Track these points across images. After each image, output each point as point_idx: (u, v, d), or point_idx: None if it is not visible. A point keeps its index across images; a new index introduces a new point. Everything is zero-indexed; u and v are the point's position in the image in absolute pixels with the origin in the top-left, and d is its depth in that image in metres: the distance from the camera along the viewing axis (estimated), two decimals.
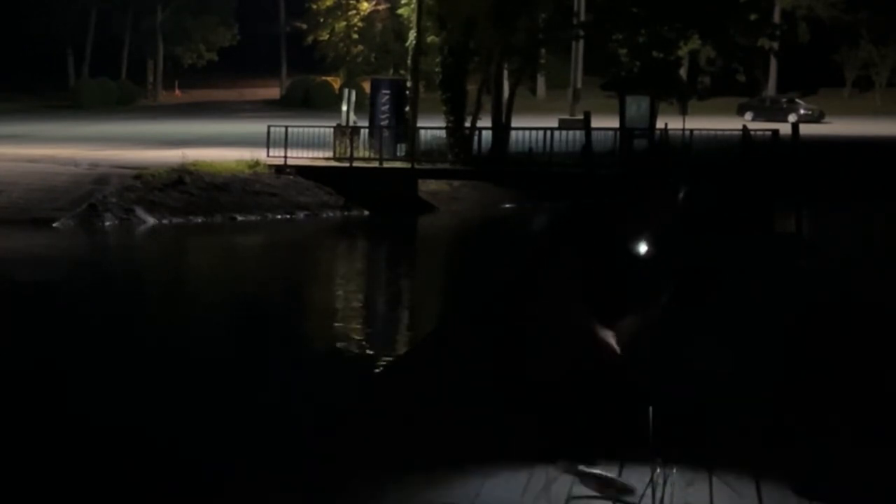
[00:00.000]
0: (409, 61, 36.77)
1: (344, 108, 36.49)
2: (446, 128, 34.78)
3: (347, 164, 32.12)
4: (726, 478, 4.80)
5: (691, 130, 30.80)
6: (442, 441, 5.19)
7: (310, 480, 4.90)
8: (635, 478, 4.79)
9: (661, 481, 4.56)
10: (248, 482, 4.99)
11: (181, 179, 28.86)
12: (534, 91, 65.84)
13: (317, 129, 32.98)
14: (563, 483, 4.78)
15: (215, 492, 6.86)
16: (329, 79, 67.20)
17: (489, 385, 5.24)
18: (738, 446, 5.20)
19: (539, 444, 5.06)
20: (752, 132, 29.66)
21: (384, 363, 12.62)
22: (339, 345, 14.44)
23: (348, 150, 32.58)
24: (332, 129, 33.81)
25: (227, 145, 34.61)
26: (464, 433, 5.25)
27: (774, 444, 5.24)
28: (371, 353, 13.84)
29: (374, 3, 60.84)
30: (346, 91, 39.43)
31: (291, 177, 30.67)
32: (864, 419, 5.69)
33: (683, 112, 35.26)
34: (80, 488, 8.53)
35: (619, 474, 4.79)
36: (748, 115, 54.67)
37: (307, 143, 32.00)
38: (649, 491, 4.56)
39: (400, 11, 40.66)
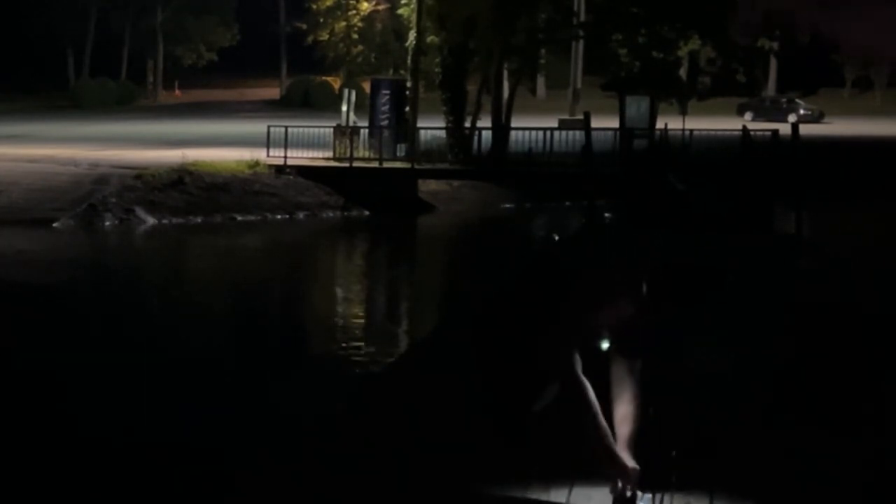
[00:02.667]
0: (409, 61, 36.78)
1: (344, 108, 36.50)
2: (446, 128, 34.81)
3: (347, 165, 32.12)
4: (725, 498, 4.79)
5: (691, 130, 30.81)
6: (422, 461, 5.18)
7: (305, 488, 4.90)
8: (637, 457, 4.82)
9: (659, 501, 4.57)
10: (248, 486, 4.98)
11: (181, 179, 28.87)
12: (534, 91, 65.86)
13: (317, 130, 32.98)
14: None
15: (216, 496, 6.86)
16: (329, 79, 67.25)
17: (479, 397, 5.22)
18: (738, 459, 5.19)
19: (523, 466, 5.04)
20: (752, 132, 29.65)
21: (380, 366, 12.61)
22: (337, 346, 14.44)
23: (348, 150, 32.58)
24: (332, 129, 33.82)
25: (226, 145, 34.61)
26: (444, 453, 5.23)
27: (773, 457, 5.23)
28: (369, 354, 13.83)
29: (374, 3, 60.90)
30: (346, 91, 39.45)
31: (291, 177, 30.67)
32: (867, 426, 5.68)
33: (683, 112, 35.28)
34: (80, 491, 8.54)
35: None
36: (748, 115, 54.68)
37: (307, 144, 32.01)
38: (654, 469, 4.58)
39: (400, 11, 40.67)
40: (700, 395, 6.09)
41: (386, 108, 35.24)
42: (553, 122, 35.91)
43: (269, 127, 32.34)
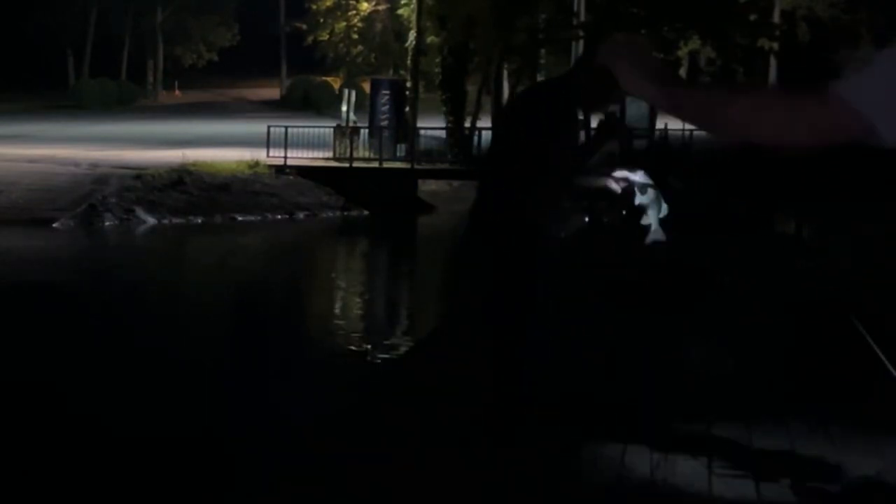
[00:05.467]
0: (409, 61, 36.79)
1: (344, 108, 36.52)
2: (446, 128, 34.81)
3: (347, 165, 32.13)
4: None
5: (691, 130, 30.78)
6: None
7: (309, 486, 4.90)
8: (638, 457, 4.82)
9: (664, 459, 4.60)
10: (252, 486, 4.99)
11: (181, 179, 28.88)
12: None
13: (317, 130, 32.99)
14: None
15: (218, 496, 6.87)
16: (329, 79, 67.23)
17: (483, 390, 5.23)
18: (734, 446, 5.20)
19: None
20: None
21: (380, 365, 12.62)
22: (338, 345, 14.43)
23: (348, 150, 32.59)
24: (332, 130, 33.83)
25: (226, 145, 34.60)
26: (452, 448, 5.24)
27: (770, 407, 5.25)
28: (370, 354, 13.83)
29: (374, 3, 60.87)
30: (346, 91, 39.47)
31: (291, 177, 30.68)
32: (863, 417, 5.69)
33: None
34: (77, 490, 8.54)
35: (624, 453, 4.80)
36: None
37: (307, 144, 32.02)
38: (653, 467, 4.58)
39: (400, 11, 40.73)
40: (701, 394, 6.10)
41: (386, 108, 35.26)
42: None
43: (269, 127, 32.35)
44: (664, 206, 4.88)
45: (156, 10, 73.71)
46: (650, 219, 4.88)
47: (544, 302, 5.06)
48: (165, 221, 27.31)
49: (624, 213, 12.24)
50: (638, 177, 4.87)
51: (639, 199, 4.88)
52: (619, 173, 4.99)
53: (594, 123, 5.61)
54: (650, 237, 4.97)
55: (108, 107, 65.08)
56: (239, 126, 47.25)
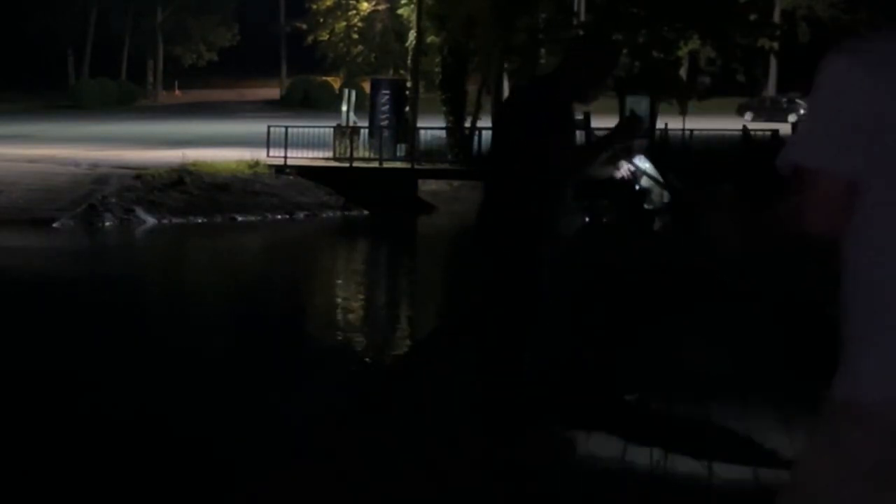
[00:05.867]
0: (409, 61, 36.79)
1: (344, 108, 36.51)
2: (446, 128, 34.81)
3: (347, 165, 32.13)
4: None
5: (691, 130, 30.78)
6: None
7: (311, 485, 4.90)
8: (638, 457, 4.82)
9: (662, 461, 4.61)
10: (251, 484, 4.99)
11: (181, 179, 28.87)
12: None
13: (317, 130, 33.00)
14: None
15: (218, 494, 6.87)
16: (329, 79, 67.26)
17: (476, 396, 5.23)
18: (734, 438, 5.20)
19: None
20: (752, 132, 29.65)
21: (380, 366, 12.62)
22: (337, 346, 14.43)
23: (348, 150, 32.59)
24: (332, 129, 33.83)
25: (227, 145, 34.60)
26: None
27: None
28: (369, 354, 13.83)
29: (374, 3, 60.89)
30: (346, 91, 39.47)
31: (291, 177, 30.68)
32: None
33: (683, 112, 35.26)
34: (76, 491, 8.54)
35: (624, 455, 4.81)
36: (748, 115, 54.64)
37: (307, 144, 32.03)
38: (653, 467, 4.58)
39: (400, 11, 40.72)
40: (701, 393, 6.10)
41: (386, 108, 35.26)
42: None
43: (269, 127, 32.36)
44: (665, 193, 4.89)
45: (156, 10, 73.77)
46: (654, 204, 4.90)
47: (545, 302, 5.06)
48: (165, 221, 27.31)
49: (620, 213, 12.26)
50: (638, 161, 4.88)
51: (641, 185, 4.91)
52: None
53: (592, 121, 5.64)
54: (657, 224, 5.00)
55: (108, 107, 65.12)
56: (239, 126, 47.25)
